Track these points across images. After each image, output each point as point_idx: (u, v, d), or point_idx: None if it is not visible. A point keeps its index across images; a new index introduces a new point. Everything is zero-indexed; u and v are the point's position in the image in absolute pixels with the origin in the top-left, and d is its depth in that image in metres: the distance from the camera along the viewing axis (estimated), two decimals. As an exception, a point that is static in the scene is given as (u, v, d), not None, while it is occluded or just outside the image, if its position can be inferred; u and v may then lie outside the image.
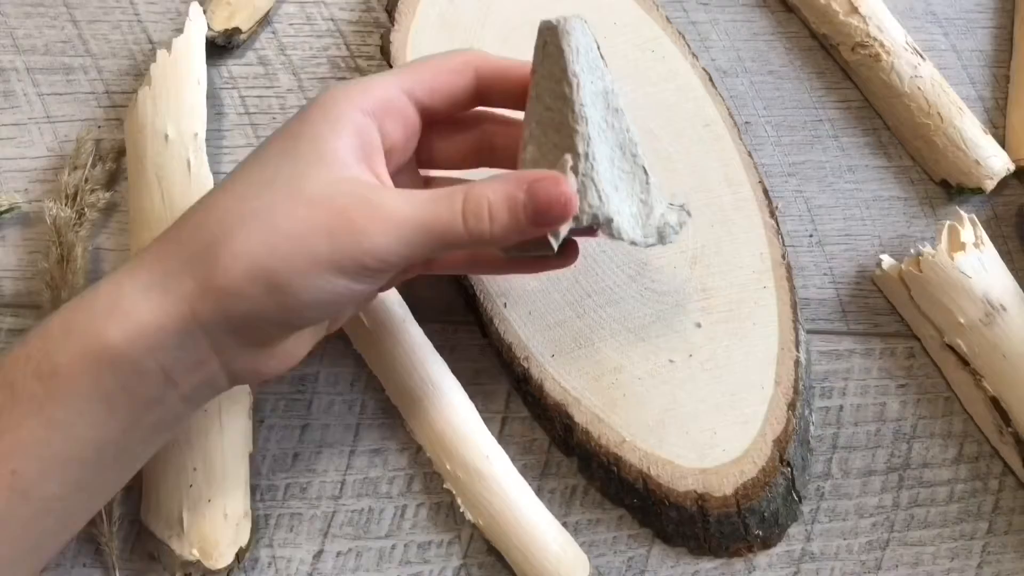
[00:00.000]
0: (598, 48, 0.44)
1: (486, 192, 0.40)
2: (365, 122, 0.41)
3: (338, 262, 0.38)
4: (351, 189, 0.39)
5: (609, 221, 0.42)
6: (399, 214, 0.39)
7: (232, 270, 0.38)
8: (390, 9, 0.59)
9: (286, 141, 0.41)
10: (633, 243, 0.44)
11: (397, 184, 0.44)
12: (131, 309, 0.38)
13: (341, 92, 0.41)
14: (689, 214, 0.46)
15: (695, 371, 0.54)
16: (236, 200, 0.39)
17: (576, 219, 0.41)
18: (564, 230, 0.41)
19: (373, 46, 0.61)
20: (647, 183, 0.45)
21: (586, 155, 0.42)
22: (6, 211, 0.54)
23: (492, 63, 0.45)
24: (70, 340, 0.37)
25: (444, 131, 0.47)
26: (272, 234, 0.38)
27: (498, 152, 0.48)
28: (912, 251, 0.58)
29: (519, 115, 0.45)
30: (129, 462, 0.42)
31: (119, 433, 0.39)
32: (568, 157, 0.41)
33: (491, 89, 0.45)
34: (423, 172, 0.49)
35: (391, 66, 0.57)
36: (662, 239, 0.45)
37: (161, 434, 0.41)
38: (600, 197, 0.42)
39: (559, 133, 0.42)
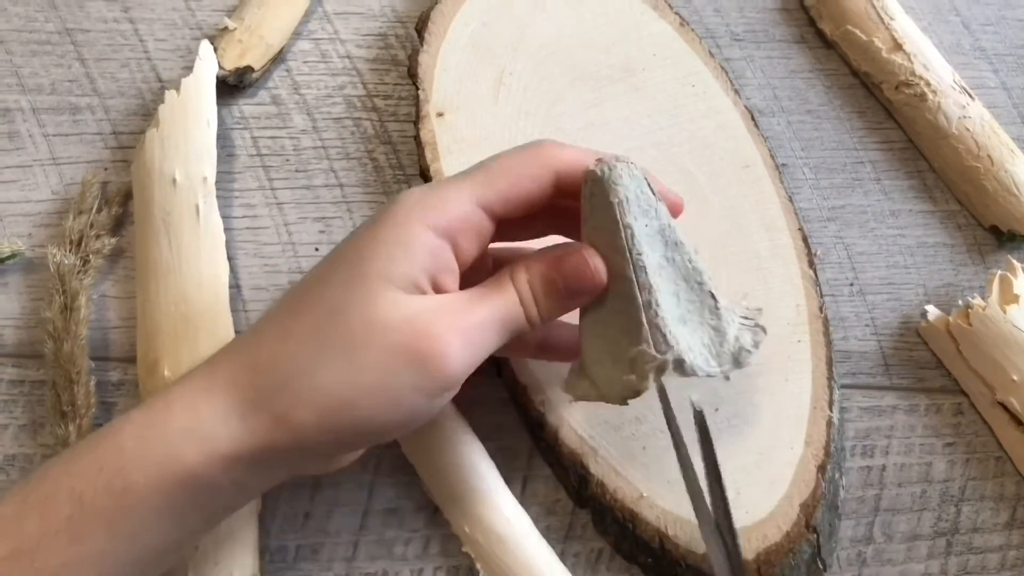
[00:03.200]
0: (648, 185, 0.43)
1: (526, 275, 0.43)
2: (439, 244, 0.41)
3: (421, 387, 0.40)
4: (423, 307, 0.40)
5: (681, 363, 0.42)
6: (472, 320, 0.41)
7: (311, 406, 0.39)
8: (420, 29, 0.60)
9: (354, 260, 0.41)
10: (709, 375, 0.44)
11: (472, 279, 0.44)
12: (208, 435, 0.39)
13: (415, 206, 0.42)
14: (764, 331, 0.45)
15: (721, 426, 0.53)
16: (310, 330, 0.40)
17: (645, 372, 0.42)
18: (645, 385, 0.42)
19: (391, 84, 0.62)
20: (716, 308, 0.44)
21: (648, 303, 0.42)
22: (8, 257, 0.54)
23: (567, 161, 0.44)
24: (146, 460, 0.39)
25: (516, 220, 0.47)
26: (352, 368, 0.39)
27: (565, 223, 0.48)
28: (960, 302, 0.58)
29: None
30: (181, 554, 0.45)
31: (181, 536, 0.41)
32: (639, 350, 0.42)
33: (566, 189, 0.44)
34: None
35: (417, 88, 0.58)
36: (738, 364, 0.44)
37: (215, 526, 0.44)
38: (668, 340, 0.42)
39: (618, 282, 0.43)
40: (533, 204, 0.44)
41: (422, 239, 0.41)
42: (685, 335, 0.43)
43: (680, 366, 0.42)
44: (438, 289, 0.42)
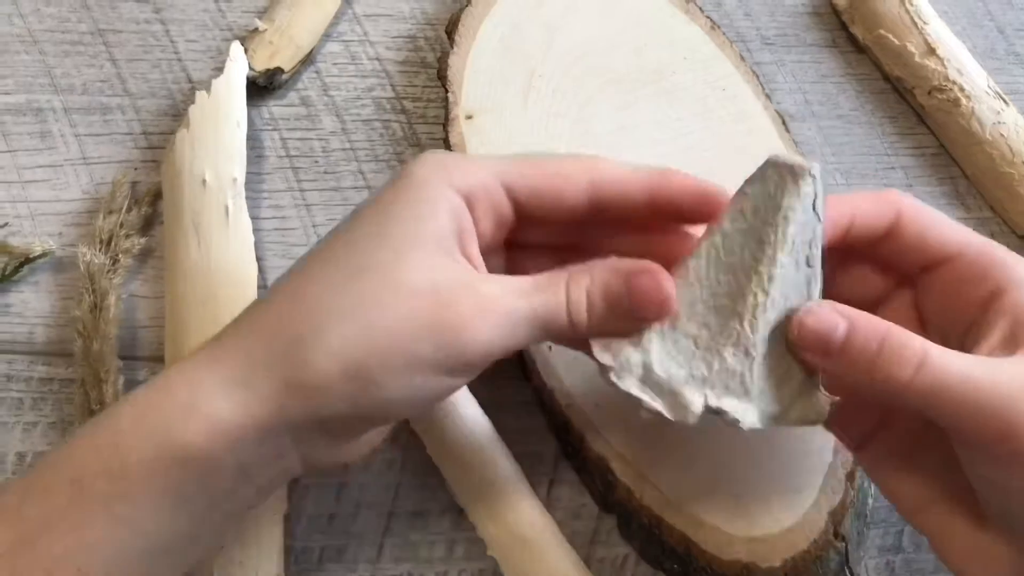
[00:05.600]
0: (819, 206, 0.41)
1: (587, 281, 0.40)
2: (460, 204, 0.40)
3: (441, 361, 0.38)
4: (453, 278, 0.39)
5: (736, 422, 0.41)
6: (505, 305, 0.39)
7: (324, 369, 0.37)
8: (449, 31, 0.60)
9: (377, 221, 0.40)
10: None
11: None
12: (210, 408, 0.37)
13: (436, 167, 0.40)
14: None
15: (749, 432, 0.53)
16: (326, 289, 0.38)
17: (709, 409, 0.41)
18: (692, 420, 0.41)
19: (420, 87, 0.62)
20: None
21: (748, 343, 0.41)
22: (39, 256, 0.55)
23: (610, 175, 0.42)
24: (142, 439, 0.37)
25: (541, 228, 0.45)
26: (369, 330, 0.37)
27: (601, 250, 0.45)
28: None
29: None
30: (196, 553, 0.41)
31: (188, 527, 0.38)
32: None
33: (608, 204, 0.42)
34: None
35: (446, 90, 0.58)
36: (786, 421, 0.42)
37: (231, 523, 0.42)
38: (744, 390, 0.41)
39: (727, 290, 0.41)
40: (563, 206, 0.42)
41: (446, 195, 0.39)
42: (761, 381, 0.42)
43: (733, 422, 0.41)
44: (464, 252, 0.40)
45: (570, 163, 0.42)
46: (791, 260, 0.40)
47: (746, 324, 0.40)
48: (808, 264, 0.41)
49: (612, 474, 0.52)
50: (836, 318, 0.39)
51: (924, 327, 0.44)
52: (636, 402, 0.42)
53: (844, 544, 0.52)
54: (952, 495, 0.42)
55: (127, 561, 0.37)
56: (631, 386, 0.41)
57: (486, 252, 0.43)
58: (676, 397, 0.41)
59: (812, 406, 0.42)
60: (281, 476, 0.41)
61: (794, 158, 0.40)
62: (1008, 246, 0.61)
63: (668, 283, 0.40)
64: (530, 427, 0.55)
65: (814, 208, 0.40)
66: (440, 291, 0.38)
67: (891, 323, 0.39)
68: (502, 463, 0.52)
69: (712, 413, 0.41)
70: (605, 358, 0.41)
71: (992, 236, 0.61)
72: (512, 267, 0.46)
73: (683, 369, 0.41)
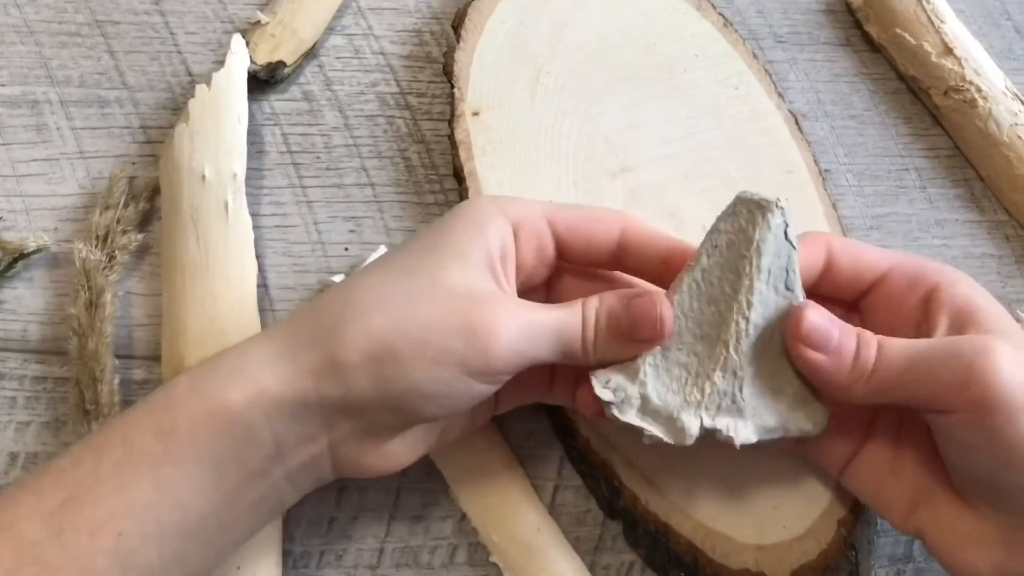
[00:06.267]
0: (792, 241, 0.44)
1: (596, 303, 0.44)
2: (507, 229, 0.45)
3: (467, 359, 0.41)
4: (489, 289, 0.43)
5: (731, 439, 0.44)
6: (530, 317, 0.42)
7: (359, 346, 0.41)
8: (456, 26, 0.60)
9: (433, 237, 0.44)
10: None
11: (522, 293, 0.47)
12: (255, 374, 0.41)
13: (490, 201, 0.46)
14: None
15: (751, 446, 0.53)
16: (376, 282, 0.43)
17: (705, 429, 0.44)
18: (690, 441, 0.44)
19: (425, 82, 0.62)
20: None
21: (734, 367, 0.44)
22: (34, 252, 0.55)
23: (640, 229, 0.47)
24: (192, 400, 0.41)
25: (575, 276, 0.49)
26: (407, 318, 0.41)
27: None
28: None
29: (649, 287, 0.48)
30: (225, 543, 0.43)
31: (222, 505, 0.41)
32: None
33: (631, 253, 0.47)
34: None
35: (452, 86, 0.58)
36: (786, 433, 0.45)
37: (260, 515, 0.44)
38: (737, 408, 0.44)
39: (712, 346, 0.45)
40: (595, 244, 0.46)
41: (495, 220, 0.44)
42: (752, 399, 0.45)
43: (728, 439, 0.44)
44: (498, 274, 0.44)
45: (606, 211, 0.48)
46: (768, 287, 0.44)
47: (731, 349, 0.44)
48: (787, 288, 0.44)
49: (618, 479, 0.52)
50: (831, 318, 0.44)
51: None
52: (638, 431, 0.45)
53: (854, 553, 0.52)
54: (934, 493, 0.45)
55: (163, 535, 0.40)
56: (632, 418, 0.44)
57: (526, 288, 0.48)
58: (674, 422, 0.44)
59: (810, 417, 0.45)
60: (312, 469, 0.44)
61: (761, 194, 0.44)
62: (1024, 250, 0.61)
63: (664, 306, 0.44)
64: (534, 431, 0.55)
65: (786, 237, 0.44)
66: (475, 297, 0.42)
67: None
68: (506, 467, 0.52)
69: (708, 433, 0.44)
70: (606, 395, 0.44)
71: (1007, 239, 0.62)
72: None
73: (678, 396, 0.45)
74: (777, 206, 0.43)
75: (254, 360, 0.42)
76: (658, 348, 0.44)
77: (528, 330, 0.42)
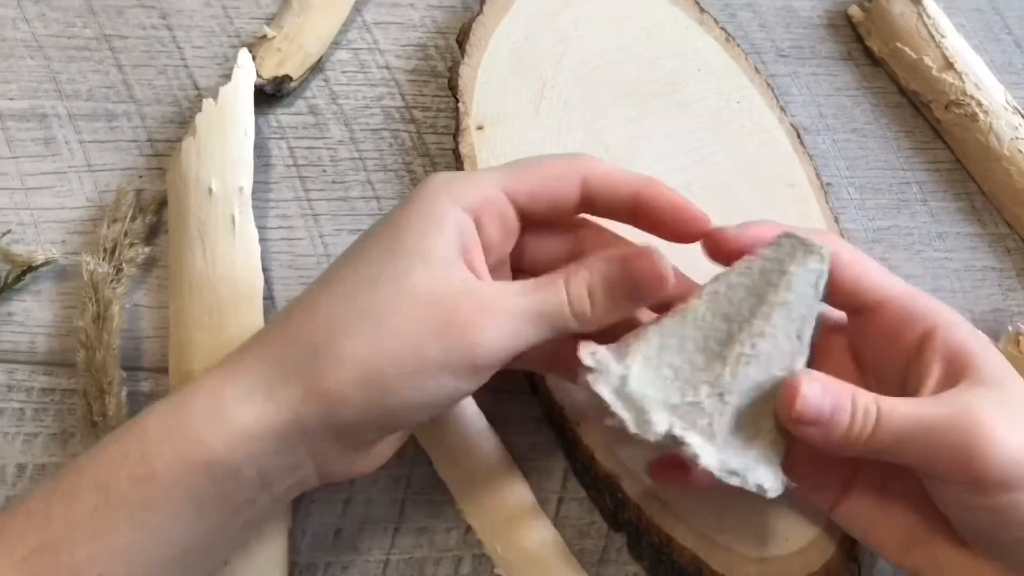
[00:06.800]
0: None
1: (586, 273, 0.43)
2: (465, 219, 0.42)
3: (450, 362, 0.40)
4: (458, 285, 0.41)
5: (696, 457, 0.42)
6: (508, 306, 0.41)
7: (340, 374, 0.39)
8: (460, 40, 0.60)
9: (387, 237, 0.42)
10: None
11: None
12: (232, 415, 0.39)
13: (443, 186, 0.43)
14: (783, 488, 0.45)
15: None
16: (340, 300, 0.41)
17: (671, 437, 0.42)
18: (651, 438, 0.42)
19: (430, 96, 0.62)
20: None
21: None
22: (42, 264, 0.55)
23: (601, 172, 0.45)
24: (168, 444, 0.39)
25: (539, 233, 0.47)
26: (381, 336, 0.39)
27: (590, 253, 0.47)
28: (1009, 328, 0.57)
29: (617, 225, 0.46)
30: (214, 561, 0.44)
31: (208, 535, 0.40)
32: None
33: (596, 199, 0.45)
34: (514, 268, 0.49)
35: (457, 100, 0.58)
36: (742, 483, 0.44)
37: (248, 533, 0.44)
38: (709, 434, 0.43)
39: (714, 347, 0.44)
40: (559, 203, 0.45)
41: (450, 213, 0.42)
42: (727, 432, 0.43)
43: (693, 457, 0.42)
44: (469, 266, 0.42)
45: (562, 162, 0.45)
46: (784, 326, 0.43)
47: (727, 370, 0.43)
48: (798, 337, 0.44)
49: (622, 492, 0.52)
50: (825, 392, 0.42)
51: (860, 368, 0.48)
52: (604, 408, 0.43)
53: (856, 567, 0.52)
54: (931, 531, 0.45)
55: (148, 569, 0.39)
56: (603, 391, 0.43)
57: (494, 265, 0.45)
58: (643, 414, 0.42)
59: (768, 478, 0.43)
60: (297, 486, 0.42)
61: (812, 237, 0.43)
62: (1025, 263, 0.62)
63: (664, 261, 0.42)
64: (539, 443, 0.55)
65: (817, 287, 0.44)
66: (445, 298, 0.40)
67: (845, 384, 0.42)
68: (510, 480, 0.52)
69: (674, 441, 0.42)
70: (588, 360, 0.43)
71: (1008, 252, 0.62)
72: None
73: (658, 394, 0.43)
74: (822, 253, 0.43)
75: (228, 399, 0.40)
76: (655, 343, 0.43)
77: (510, 321, 0.41)
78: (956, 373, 0.43)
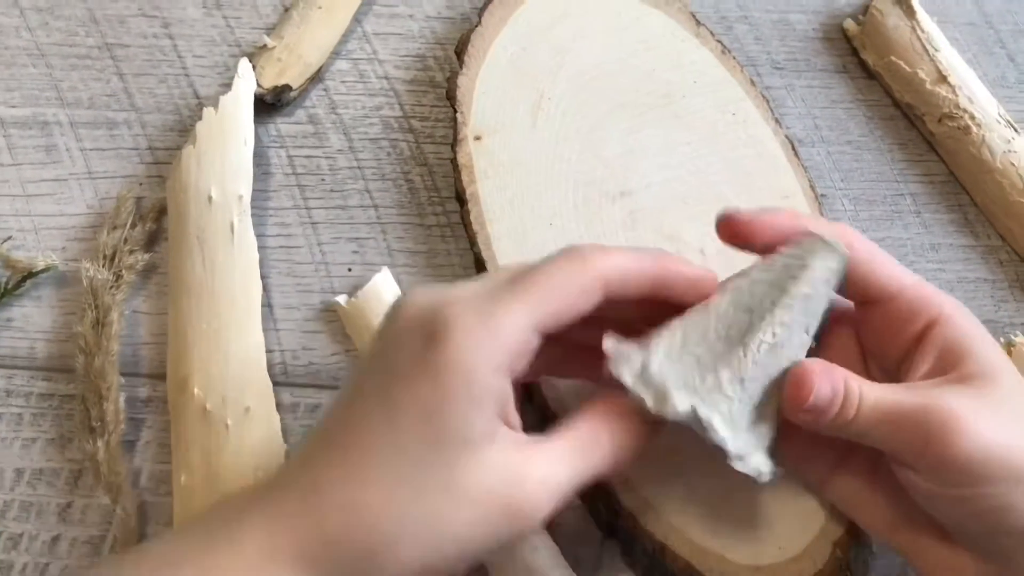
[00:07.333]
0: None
1: (619, 422, 0.43)
2: (504, 384, 0.40)
3: (505, 543, 0.40)
4: (506, 473, 0.39)
5: (705, 432, 0.43)
6: (556, 484, 0.40)
7: None
8: (459, 51, 0.60)
9: (421, 418, 0.38)
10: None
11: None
12: None
13: (479, 352, 0.39)
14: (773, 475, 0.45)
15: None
16: (386, 501, 0.38)
17: (689, 414, 0.43)
18: (671, 416, 0.43)
19: (428, 106, 0.62)
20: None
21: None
22: (42, 271, 0.55)
23: (619, 273, 0.42)
24: None
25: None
26: (439, 540, 0.38)
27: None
28: (1002, 339, 0.57)
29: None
30: None
31: None
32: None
33: (616, 297, 0.42)
34: None
35: (455, 110, 0.58)
36: (740, 464, 0.45)
37: None
38: (722, 412, 0.43)
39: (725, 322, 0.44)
40: (579, 317, 0.42)
41: (492, 388, 0.39)
42: (737, 412, 0.44)
43: (708, 436, 0.43)
44: (505, 421, 0.41)
45: (581, 274, 0.42)
46: (801, 319, 0.44)
47: (749, 356, 0.43)
48: (807, 332, 0.45)
49: (616, 499, 0.52)
50: (830, 386, 0.42)
51: (864, 356, 0.49)
52: (624, 389, 0.43)
53: (849, 575, 0.52)
54: (914, 514, 0.45)
55: None
56: (625, 375, 0.43)
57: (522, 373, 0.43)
58: (663, 395, 0.42)
59: (764, 463, 0.45)
60: None
61: (830, 234, 0.44)
62: (1016, 274, 0.62)
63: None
64: (534, 451, 0.55)
65: (830, 283, 0.44)
66: (495, 491, 0.39)
67: (838, 368, 0.43)
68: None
69: (696, 422, 0.43)
70: (611, 349, 0.43)
71: (1001, 264, 0.62)
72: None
73: (679, 377, 0.43)
74: (841, 252, 0.44)
75: None
76: (679, 335, 0.44)
77: (559, 497, 0.40)
78: (947, 366, 0.43)
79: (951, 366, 0.43)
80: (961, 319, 0.45)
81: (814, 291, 0.44)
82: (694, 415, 0.43)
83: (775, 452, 0.45)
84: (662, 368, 0.43)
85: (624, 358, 0.43)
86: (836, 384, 0.42)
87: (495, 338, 0.39)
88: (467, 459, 0.38)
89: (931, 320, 0.45)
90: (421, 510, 0.38)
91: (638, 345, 0.44)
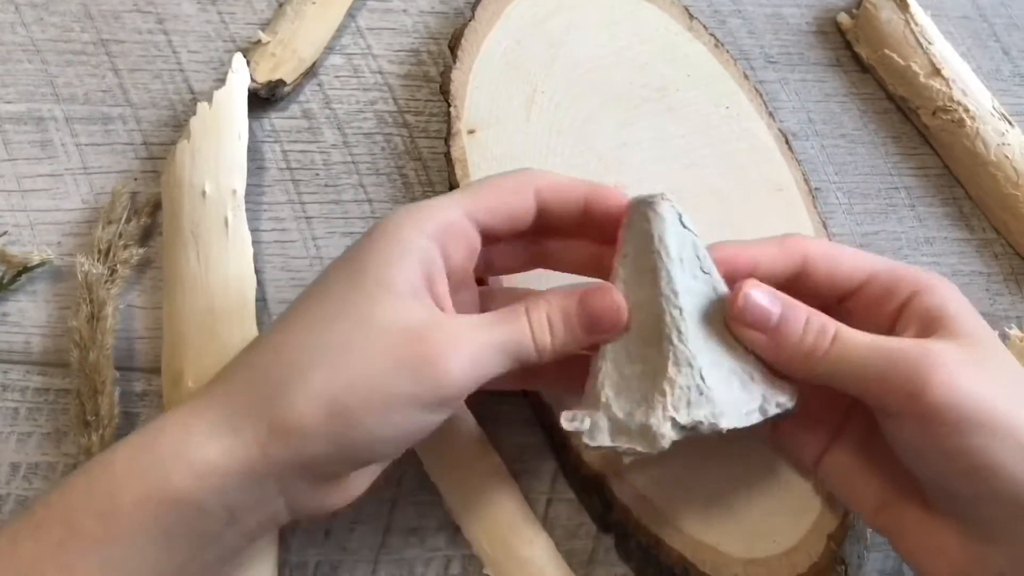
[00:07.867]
0: (687, 224, 0.45)
1: (546, 306, 0.43)
2: (429, 247, 0.42)
3: (417, 395, 0.40)
4: (423, 318, 0.41)
5: (714, 425, 0.43)
6: (473, 338, 0.41)
7: (307, 410, 0.39)
8: (452, 46, 0.60)
9: (351, 269, 0.42)
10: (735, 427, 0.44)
11: (455, 297, 0.45)
12: (198, 452, 0.39)
13: (406, 217, 0.43)
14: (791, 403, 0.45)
15: (749, 451, 0.53)
16: (305, 335, 0.41)
17: (682, 428, 0.43)
18: (666, 443, 0.42)
19: (422, 101, 0.62)
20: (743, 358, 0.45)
21: (681, 357, 0.43)
22: (37, 265, 0.55)
23: (551, 182, 0.45)
24: (133, 481, 0.39)
25: (501, 244, 0.48)
26: (348, 371, 0.39)
27: (552, 257, 0.49)
28: (996, 332, 0.57)
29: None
30: None
31: (177, 569, 0.40)
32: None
33: (550, 208, 0.46)
34: (478, 277, 0.49)
35: (449, 105, 0.58)
36: (765, 413, 0.45)
37: (219, 567, 0.42)
38: (706, 398, 0.43)
39: (647, 317, 0.44)
40: (517, 217, 0.45)
41: (415, 243, 0.42)
42: (718, 387, 0.43)
43: (714, 428, 0.43)
44: (433, 294, 0.43)
45: (516, 177, 0.46)
46: (687, 274, 0.44)
47: (675, 340, 0.43)
48: (703, 271, 0.45)
49: (610, 493, 0.52)
50: (772, 297, 0.43)
51: None
52: (616, 452, 0.44)
53: (844, 568, 0.52)
54: (902, 494, 0.46)
55: None
56: (604, 441, 0.43)
57: (457, 286, 0.45)
58: (647, 431, 0.43)
59: (783, 391, 0.45)
60: (269, 522, 0.42)
61: (646, 195, 0.44)
62: (1012, 267, 0.62)
63: (617, 295, 0.44)
64: (528, 444, 0.55)
65: (682, 224, 0.44)
66: (411, 330, 0.40)
67: (803, 304, 0.44)
68: (500, 481, 0.52)
69: (688, 431, 0.43)
70: (574, 426, 0.44)
71: (995, 257, 0.62)
72: (483, 304, 0.49)
73: (642, 406, 0.43)
74: (663, 198, 0.44)
75: (194, 435, 0.39)
76: (609, 366, 0.44)
77: (475, 353, 0.41)
78: (929, 331, 0.43)
79: (933, 331, 0.43)
80: (943, 288, 0.45)
81: (674, 243, 0.44)
82: (685, 429, 0.43)
83: (773, 378, 0.45)
84: (624, 410, 0.44)
85: (587, 427, 0.44)
86: (790, 310, 0.43)
87: (422, 210, 0.43)
88: (385, 300, 0.41)
89: (909, 294, 0.45)
90: (334, 338, 0.40)
91: (588, 403, 0.45)
